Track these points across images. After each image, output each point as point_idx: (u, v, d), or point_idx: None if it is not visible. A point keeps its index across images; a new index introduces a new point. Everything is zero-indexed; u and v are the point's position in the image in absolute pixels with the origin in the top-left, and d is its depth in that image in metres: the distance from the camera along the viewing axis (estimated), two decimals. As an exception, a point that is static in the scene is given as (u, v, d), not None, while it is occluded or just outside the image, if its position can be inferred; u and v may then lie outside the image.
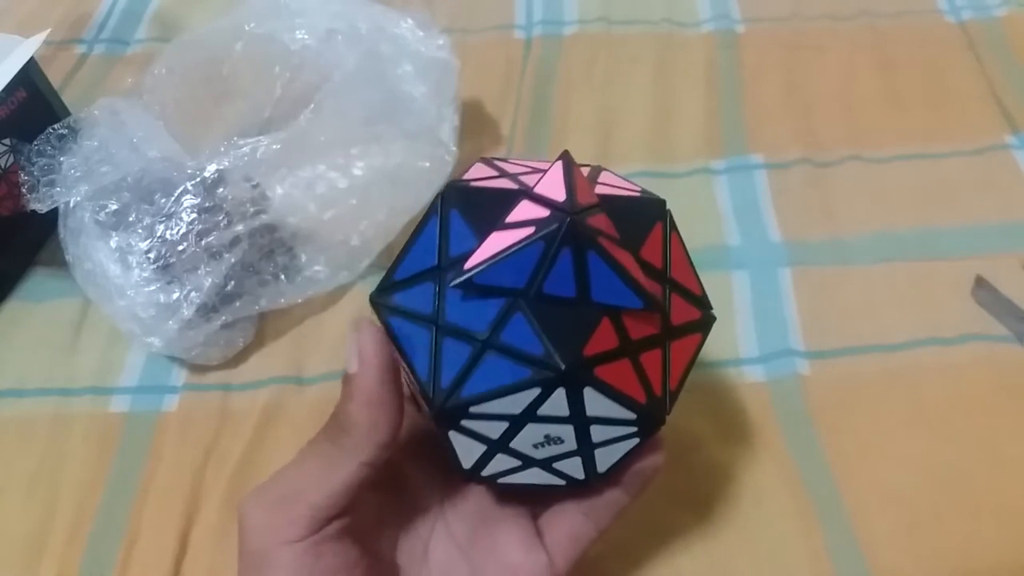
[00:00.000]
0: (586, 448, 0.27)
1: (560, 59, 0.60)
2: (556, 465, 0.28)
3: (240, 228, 0.43)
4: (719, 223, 0.50)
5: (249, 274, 0.44)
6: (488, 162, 0.29)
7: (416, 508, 0.31)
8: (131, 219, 0.42)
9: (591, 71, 0.59)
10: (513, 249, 0.23)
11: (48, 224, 0.44)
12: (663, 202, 0.28)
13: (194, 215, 0.42)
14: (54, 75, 0.54)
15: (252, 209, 0.43)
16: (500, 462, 0.27)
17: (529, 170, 0.28)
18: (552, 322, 0.24)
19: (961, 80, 0.57)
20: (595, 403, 0.24)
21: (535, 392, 0.24)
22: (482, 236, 0.25)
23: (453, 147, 0.50)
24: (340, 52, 0.49)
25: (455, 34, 0.61)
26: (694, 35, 0.62)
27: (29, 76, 0.47)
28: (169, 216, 0.42)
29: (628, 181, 0.29)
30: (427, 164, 0.49)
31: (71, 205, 0.42)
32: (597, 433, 0.26)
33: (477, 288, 0.24)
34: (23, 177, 0.42)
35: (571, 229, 0.23)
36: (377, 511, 0.30)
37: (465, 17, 0.64)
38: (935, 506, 0.38)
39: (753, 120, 0.55)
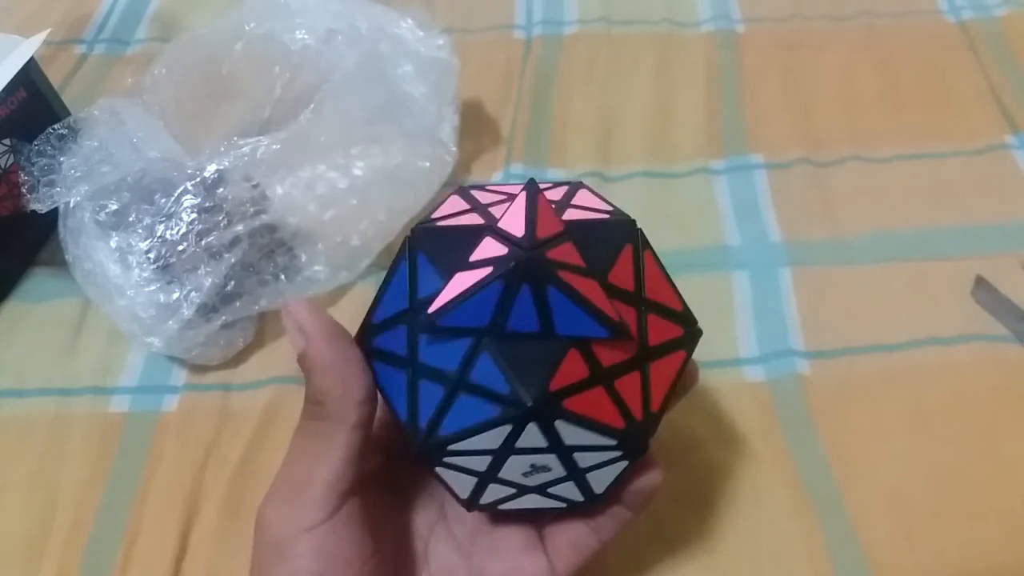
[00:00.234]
0: (576, 473, 0.27)
1: (560, 59, 0.60)
2: (551, 490, 0.28)
3: (240, 228, 0.43)
4: (719, 223, 0.50)
5: (249, 274, 0.44)
6: (464, 193, 0.29)
7: (417, 508, 0.31)
8: (131, 219, 0.42)
9: (591, 71, 0.59)
10: (474, 290, 0.24)
11: (48, 224, 0.44)
12: (633, 222, 0.28)
13: (194, 215, 0.42)
14: (54, 75, 0.54)
15: (252, 209, 0.43)
16: (495, 491, 0.28)
17: (503, 197, 0.29)
18: (518, 359, 0.24)
19: (961, 80, 0.57)
20: (571, 433, 0.25)
21: (508, 428, 0.24)
22: (448, 276, 0.25)
23: (453, 147, 0.50)
24: (340, 52, 0.49)
25: (455, 34, 0.61)
26: (694, 35, 0.62)
27: (29, 76, 0.47)
28: (169, 216, 0.42)
29: (603, 200, 0.29)
30: (427, 164, 0.49)
31: (71, 205, 0.42)
32: (582, 459, 0.26)
33: (443, 331, 0.25)
34: (23, 177, 0.42)
35: (527, 265, 0.23)
36: (382, 508, 0.30)
37: (465, 17, 0.64)
38: (935, 506, 0.38)
39: (753, 120, 0.55)
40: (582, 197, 0.29)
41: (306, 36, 0.50)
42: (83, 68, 0.62)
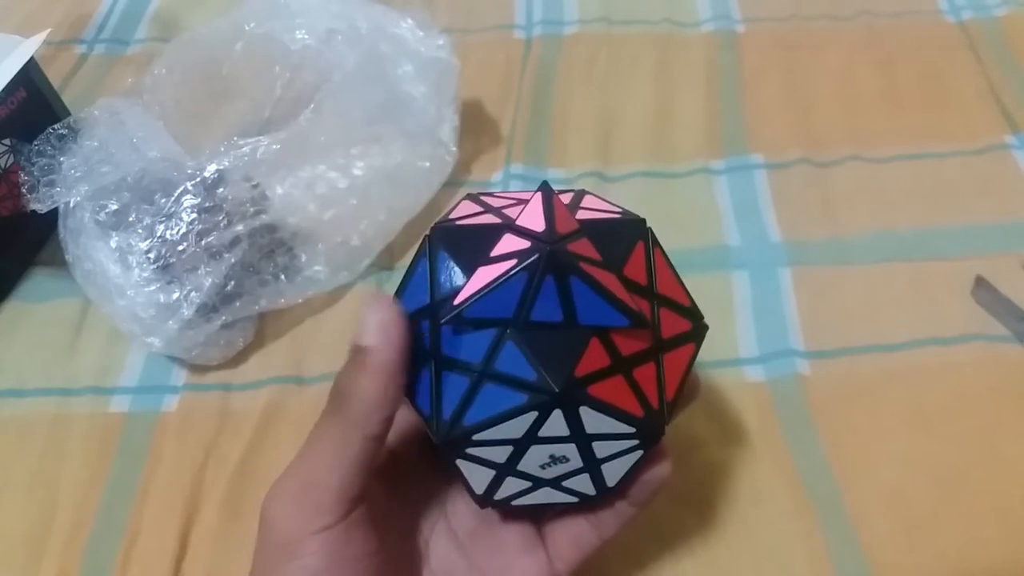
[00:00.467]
0: (592, 464, 0.27)
1: (560, 59, 0.60)
2: (566, 483, 0.28)
3: (240, 228, 0.43)
4: (719, 223, 0.50)
5: (249, 274, 0.44)
6: (475, 199, 0.30)
7: (419, 505, 0.32)
8: (131, 219, 0.42)
9: (591, 71, 0.59)
10: (498, 282, 0.24)
11: (48, 224, 0.44)
12: (643, 221, 0.29)
13: (194, 215, 0.42)
14: (54, 75, 0.54)
15: (252, 209, 0.43)
16: (511, 485, 0.28)
17: (514, 202, 0.29)
18: (543, 347, 0.25)
19: (961, 80, 0.57)
20: (593, 421, 0.25)
21: (533, 415, 0.25)
22: (469, 271, 0.25)
23: (453, 147, 0.50)
24: (340, 52, 0.49)
25: (455, 34, 0.61)
26: (694, 35, 0.62)
27: (29, 76, 0.47)
28: (169, 216, 0.42)
29: (610, 203, 0.30)
30: (427, 164, 0.49)
31: (71, 205, 0.42)
32: (600, 449, 0.27)
33: (468, 322, 0.25)
34: (23, 177, 0.42)
35: (551, 257, 0.24)
36: (385, 505, 0.30)
37: (465, 17, 0.64)
38: (935, 506, 0.38)
39: (753, 120, 0.55)
40: (589, 201, 0.30)
41: (306, 36, 0.50)
42: (83, 68, 0.62)
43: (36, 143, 0.42)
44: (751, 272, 0.47)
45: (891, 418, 0.41)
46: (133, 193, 0.42)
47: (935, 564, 0.37)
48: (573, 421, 0.25)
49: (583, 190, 0.31)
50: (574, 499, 0.29)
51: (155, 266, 0.41)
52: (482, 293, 0.24)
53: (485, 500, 0.29)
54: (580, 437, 0.26)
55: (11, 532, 0.40)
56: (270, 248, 0.44)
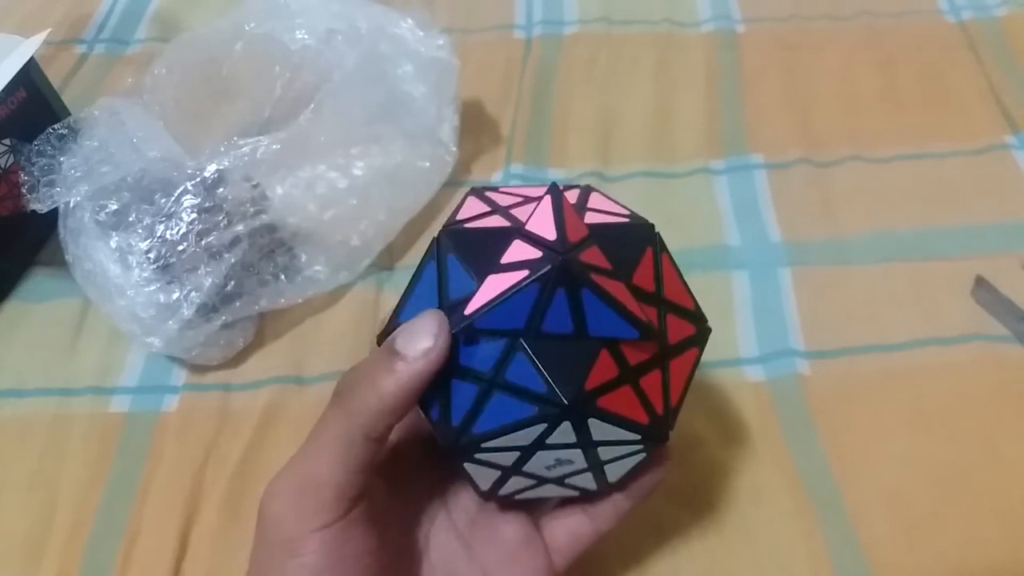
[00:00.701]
0: (596, 465, 0.28)
1: (560, 59, 0.60)
2: (569, 480, 0.29)
3: (240, 228, 0.43)
4: (719, 223, 0.50)
5: (249, 274, 0.44)
6: (480, 195, 0.30)
7: (419, 498, 0.32)
8: (131, 219, 0.42)
9: (591, 71, 0.59)
10: (510, 293, 0.24)
11: (48, 224, 0.44)
12: (651, 225, 0.29)
13: (194, 215, 0.42)
14: (54, 75, 0.54)
15: (252, 209, 0.43)
16: (515, 483, 0.28)
17: (520, 200, 0.29)
18: (553, 359, 0.25)
19: (961, 80, 0.57)
20: (600, 430, 0.25)
21: (542, 427, 0.25)
22: (479, 278, 0.26)
23: (453, 147, 0.50)
24: (340, 52, 0.49)
25: (455, 34, 0.61)
26: (694, 35, 0.62)
27: (29, 76, 0.47)
28: (169, 216, 0.42)
29: (616, 203, 0.30)
30: (427, 164, 0.49)
31: (71, 205, 0.42)
32: (605, 452, 0.27)
33: (479, 332, 0.25)
34: (23, 177, 0.42)
35: (563, 269, 0.24)
36: (385, 500, 0.30)
37: (465, 17, 0.64)
38: (935, 506, 0.38)
39: (753, 120, 0.55)
40: (596, 200, 0.30)
41: (306, 36, 0.50)
42: (83, 68, 0.62)
43: (36, 143, 0.42)
44: (751, 272, 0.47)
45: (891, 418, 0.41)
46: (133, 193, 0.42)
47: (935, 564, 0.37)
48: (581, 431, 0.25)
49: (588, 187, 0.31)
50: (575, 493, 0.30)
51: (155, 266, 0.41)
52: (494, 304, 0.25)
53: (489, 496, 0.30)
54: (586, 443, 0.26)
55: (11, 532, 0.40)
56: (270, 248, 0.44)
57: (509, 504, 0.31)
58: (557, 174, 0.53)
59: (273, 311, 0.46)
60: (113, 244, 0.42)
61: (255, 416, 0.43)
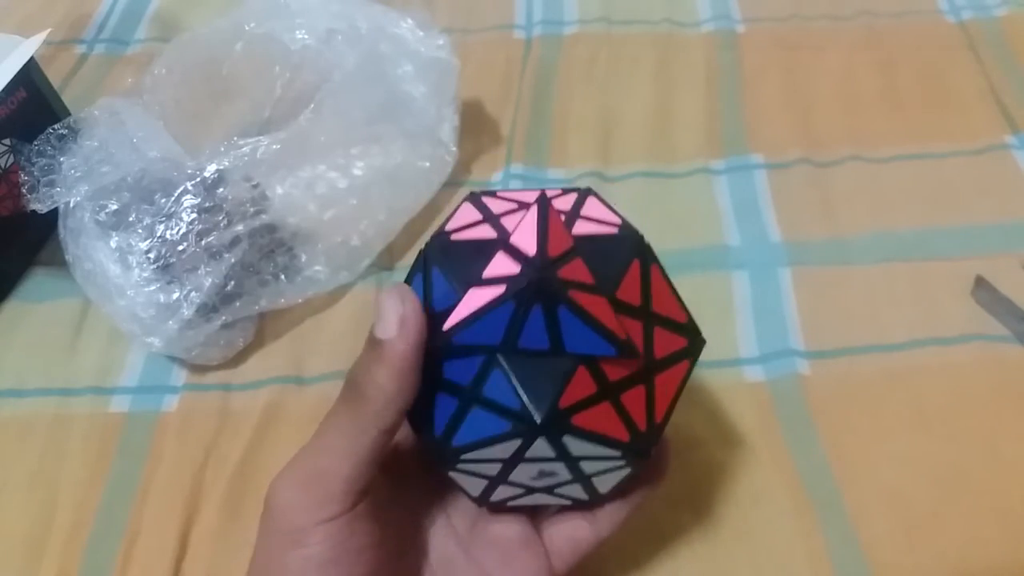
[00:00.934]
0: (582, 478, 0.27)
1: (560, 59, 0.60)
2: (558, 491, 0.29)
3: (240, 228, 0.43)
4: (719, 223, 0.50)
5: (249, 274, 0.44)
6: (476, 201, 0.30)
7: (420, 500, 0.32)
8: (131, 219, 0.42)
9: (591, 71, 0.59)
10: (487, 309, 0.24)
11: (48, 224, 0.44)
12: (640, 237, 0.28)
13: (194, 215, 0.42)
14: (54, 75, 0.54)
15: (252, 209, 0.43)
16: (504, 491, 0.28)
17: (515, 206, 0.29)
18: (529, 375, 0.25)
19: (961, 80, 0.57)
20: (578, 446, 0.25)
21: (518, 442, 0.25)
22: (461, 291, 0.25)
23: (453, 147, 0.50)
24: (340, 52, 0.49)
25: (455, 34, 0.61)
26: (694, 35, 0.62)
27: (29, 76, 0.47)
28: (169, 216, 0.42)
29: (612, 210, 0.29)
30: (427, 164, 0.49)
31: (71, 205, 0.42)
32: (588, 466, 0.27)
33: (457, 347, 0.25)
34: (23, 177, 0.42)
35: (539, 287, 0.24)
36: (387, 498, 0.30)
37: (465, 17, 0.64)
38: (935, 506, 0.38)
39: (753, 120, 0.55)
40: (591, 207, 0.29)
41: (306, 36, 0.50)
42: (83, 68, 0.62)
43: (36, 143, 0.42)
44: (751, 272, 0.47)
45: (891, 418, 0.41)
46: (133, 193, 0.42)
47: (935, 564, 0.37)
48: (558, 447, 0.25)
49: (588, 190, 0.30)
50: (567, 502, 0.30)
51: (155, 266, 0.41)
52: (471, 320, 0.25)
53: (481, 502, 0.30)
54: (566, 458, 0.26)
55: (11, 532, 0.40)
56: (270, 248, 0.44)
57: (511, 508, 0.31)
58: (557, 174, 0.53)
59: (273, 311, 0.46)
60: (113, 244, 0.42)
61: (255, 416, 0.43)
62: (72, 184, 0.42)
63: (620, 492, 0.29)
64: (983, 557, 0.37)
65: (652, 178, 0.53)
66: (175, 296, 0.41)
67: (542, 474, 0.27)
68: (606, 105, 0.57)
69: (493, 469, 0.27)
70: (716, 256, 0.48)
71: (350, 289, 0.48)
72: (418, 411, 0.27)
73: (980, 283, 0.45)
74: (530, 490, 0.28)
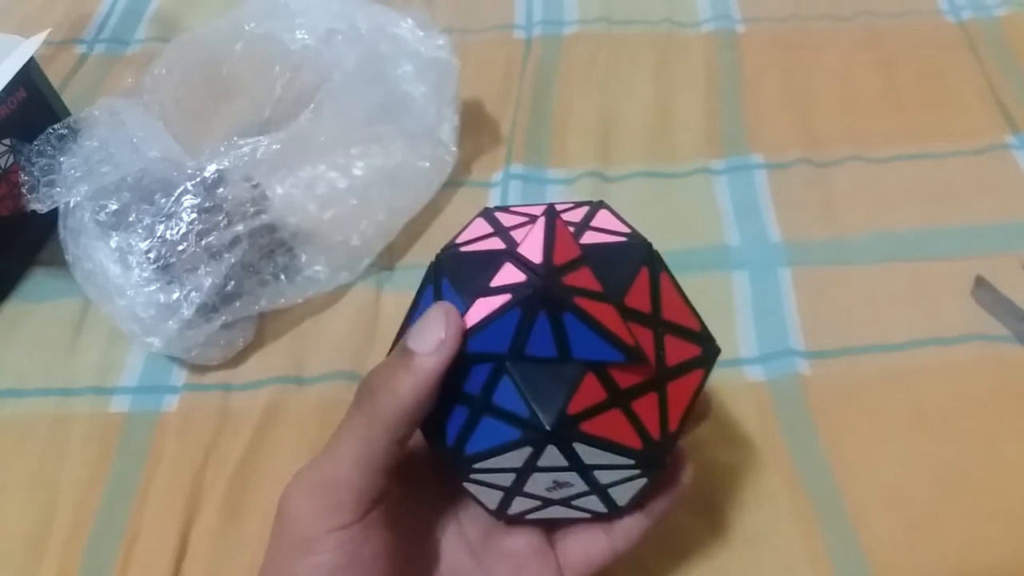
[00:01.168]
0: (598, 489, 0.27)
1: (560, 59, 0.60)
2: (575, 503, 0.29)
3: (240, 228, 0.43)
4: (719, 223, 0.50)
5: (249, 274, 0.44)
6: (489, 217, 0.30)
7: (433, 507, 0.32)
8: (131, 219, 0.42)
9: (591, 71, 0.59)
10: (493, 317, 0.25)
11: (48, 224, 0.44)
12: (648, 245, 0.28)
13: (194, 215, 0.42)
14: (54, 75, 0.54)
15: (252, 209, 0.43)
16: (521, 503, 0.28)
17: (526, 220, 0.29)
18: (536, 383, 0.25)
19: (961, 80, 0.57)
20: (590, 454, 0.25)
21: (528, 450, 0.25)
22: (469, 302, 0.26)
23: (453, 147, 0.50)
24: (340, 52, 0.49)
25: (455, 34, 0.61)
26: (694, 35, 0.62)
27: (29, 76, 0.47)
28: (169, 216, 0.42)
29: (623, 221, 0.30)
30: (427, 164, 0.49)
31: (71, 205, 0.42)
32: (603, 476, 0.27)
33: (465, 356, 0.25)
34: (23, 177, 0.42)
35: (544, 294, 0.24)
36: (401, 506, 0.30)
37: (465, 17, 0.64)
38: (935, 506, 0.38)
39: (753, 120, 0.55)
40: (602, 218, 0.30)
41: (306, 36, 0.50)
42: (83, 68, 0.62)
43: (36, 143, 0.42)
44: (751, 272, 0.47)
45: (891, 418, 0.41)
46: (133, 193, 0.42)
47: (935, 564, 0.37)
48: (570, 455, 0.25)
49: (600, 203, 0.30)
50: (586, 515, 0.29)
51: (155, 266, 0.41)
52: (478, 328, 0.25)
53: (499, 515, 0.30)
54: (579, 467, 0.26)
55: (11, 532, 0.40)
56: (270, 248, 0.44)
57: (526, 521, 0.31)
58: (557, 174, 0.53)
59: (273, 311, 0.46)
60: (113, 244, 0.42)
61: (255, 416, 0.43)
62: (72, 184, 0.42)
63: (638, 504, 0.29)
64: (983, 557, 0.37)
65: (652, 178, 0.53)
66: (175, 296, 0.41)
67: (557, 484, 0.27)
68: (606, 105, 0.57)
69: (507, 479, 0.27)
70: (716, 256, 0.48)
71: (350, 289, 0.48)
72: (430, 421, 0.27)
73: (980, 283, 0.45)
74: (547, 502, 0.28)
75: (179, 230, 0.41)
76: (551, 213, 0.26)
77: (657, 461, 0.26)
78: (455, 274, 0.27)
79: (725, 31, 0.62)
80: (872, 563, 0.37)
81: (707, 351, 0.28)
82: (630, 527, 0.30)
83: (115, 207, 0.42)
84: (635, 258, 0.27)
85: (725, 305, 0.46)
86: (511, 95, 0.58)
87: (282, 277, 0.45)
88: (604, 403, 0.25)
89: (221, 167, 0.43)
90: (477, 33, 0.63)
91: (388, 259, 0.49)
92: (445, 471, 0.27)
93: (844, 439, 0.40)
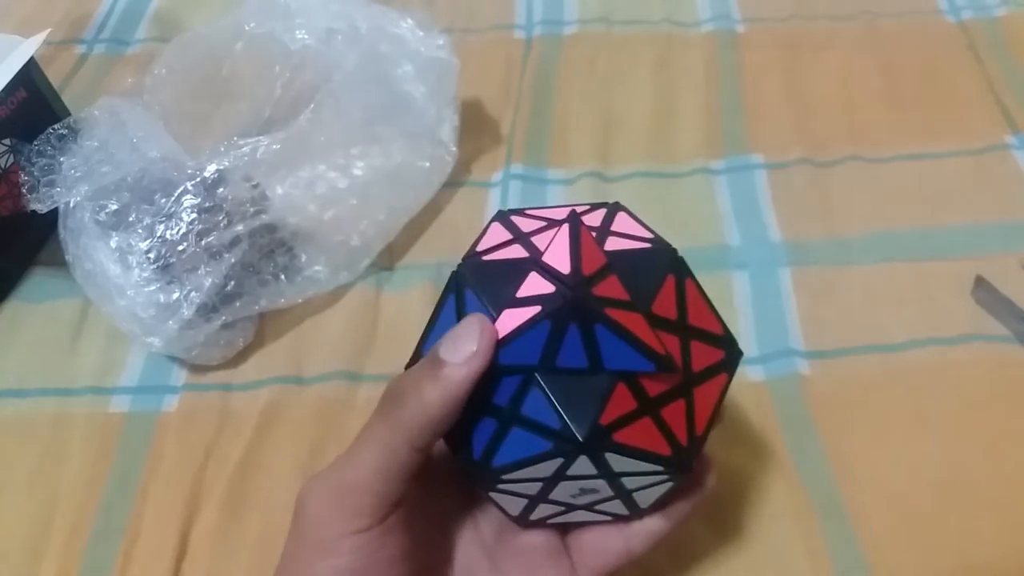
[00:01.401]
0: (624, 494, 0.27)
1: (560, 59, 0.60)
2: (599, 507, 0.29)
3: (240, 228, 0.43)
4: (719, 223, 0.50)
5: (249, 274, 0.44)
6: (504, 220, 0.30)
7: (448, 506, 0.32)
8: (131, 219, 0.42)
9: (591, 71, 0.59)
10: (523, 329, 0.24)
11: (48, 224, 0.44)
12: (674, 251, 0.28)
13: (194, 215, 0.42)
14: (54, 75, 0.54)
15: (252, 209, 0.43)
16: (544, 509, 0.28)
17: (544, 224, 0.29)
18: (568, 394, 0.25)
19: (961, 80, 0.57)
20: (620, 462, 0.25)
21: (559, 460, 0.25)
22: (496, 312, 0.26)
23: (453, 147, 0.50)
24: (340, 52, 0.49)
25: (455, 34, 0.61)
26: (694, 35, 0.62)
27: (29, 76, 0.47)
28: (169, 216, 0.42)
29: (643, 225, 0.30)
30: (427, 164, 0.49)
31: (71, 205, 0.42)
32: (629, 482, 0.27)
33: (495, 368, 0.25)
34: (23, 177, 0.42)
35: (575, 306, 0.24)
36: (419, 508, 0.30)
37: (465, 17, 0.64)
38: (935, 506, 0.38)
39: (753, 120, 0.55)
40: (621, 222, 0.29)
41: (306, 36, 0.50)
42: (83, 68, 0.62)
43: (36, 143, 0.42)
44: (751, 272, 0.47)
45: (891, 418, 0.41)
46: (133, 193, 0.42)
47: (935, 564, 0.37)
48: (600, 464, 0.25)
49: (616, 205, 0.30)
50: (608, 518, 0.30)
51: (155, 266, 0.41)
52: (508, 340, 0.25)
53: (520, 521, 0.30)
54: (608, 475, 0.26)
55: (11, 532, 0.40)
56: (270, 248, 0.44)
57: (547, 525, 0.31)
58: (557, 174, 0.53)
59: (273, 311, 0.46)
60: (113, 244, 0.42)
61: (255, 416, 0.43)
62: (72, 184, 0.42)
63: (659, 506, 0.29)
64: (983, 557, 0.37)
65: (652, 178, 0.53)
66: (175, 296, 0.41)
67: (583, 491, 0.27)
68: (606, 105, 0.57)
69: (533, 488, 0.27)
70: (716, 256, 0.48)
71: (350, 289, 0.48)
72: (456, 433, 0.26)
73: (980, 283, 0.45)
74: (570, 507, 0.28)
75: (179, 230, 0.41)
76: (574, 220, 0.26)
77: (685, 466, 0.26)
78: (479, 284, 0.27)
79: (725, 31, 0.62)
80: (872, 563, 0.37)
81: (730, 354, 0.28)
82: (648, 529, 0.30)
83: (115, 207, 0.42)
84: (661, 265, 0.27)
85: (725, 305, 0.46)
86: (511, 95, 0.58)
87: (282, 277, 0.45)
88: (635, 412, 0.25)
89: (221, 167, 0.43)
90: (477, 33, 0.63)
91: (388, 259, 0.49)
92: (468, 482, 0.27)
93: (844, 439, 0.40)
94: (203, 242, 0.42)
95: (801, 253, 0.48)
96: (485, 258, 0.28)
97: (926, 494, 0.39)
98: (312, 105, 0.45)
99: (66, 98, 0.51)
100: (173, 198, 0.42)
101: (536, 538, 0.30)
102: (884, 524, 0.38)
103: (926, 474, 0.39)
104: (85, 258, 0.42)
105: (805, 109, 0.56)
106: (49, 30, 0.48)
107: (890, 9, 0.62)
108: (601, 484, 0.27)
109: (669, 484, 0.27)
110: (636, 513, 0.29)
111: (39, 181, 0.41)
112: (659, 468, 0.26)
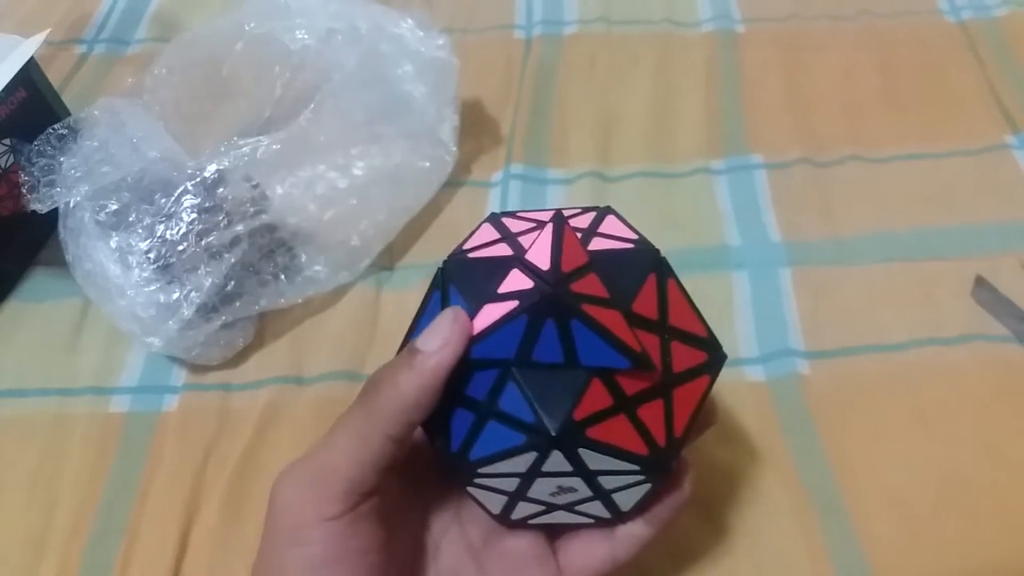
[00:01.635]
0: (602, 494, 0.27)
1: (560, 59, 0.60)
2: (580, 508, 0.29)
3: (240, 228, 0.43)
4: (719, 223, 0.50)
5: (249, 274, 0.44)
6: (496, 222, 0.30)
7: (433, 506, 0.32)
8: (131, 219, 0.42)
9: (591, 71, 0.59)
10: (500, 323, 0.25)
11: (48, 224, 0.44)
12: (656, 251, 0.28)
13: (194, 215, 0.42)
14: (54, 75, 0.54)
15: (252, 209, 0.43)
16: (524, 508, 0.28)
17: (533, 226, 0.29)
18: (543, 388, 0.25)
19: (961, 80, 0.57)
20: (595, 460, 0.25)
21: (533, 455, 0.25)
22: (476, 307, 0.26)
23: (453, 147, 0.50)
24: (340, 52, 0.49)
25: (455, 34, 0.61)
26: (694, 35, 0.62)
27: (29, 76, 0.47)
28: (169, 216, 0.42)
29: (630, 228, 0.30)
30: (427, 164, 0.49)
31: (71, 205, 0.42)
32: (607, 482, 0.27)
33: (472, 361, 0.26)
34: (23, 177, 0.42)
35: (551, 301, 0.24)
36: (398, 502, 0.30)
37: (465, 17, 0.64)
38: (935, 506, 0.38)
39: (753, 120, 0.55)
40: (609, 224, 0.30)
41: (306, 36, 0.50)
42: (83, 68, 0.62)
43: (36, 143, 0.42)
44: (751, 272, 0.47)
45: (891, 418, 0.41)
46: (133, 193, 0.42)
47: (935, 564, 0.37)
48: (574, 460, 0.25)
49: (607, 209, 0.31)
50: (590, 521, 0.29)
51: (155, 266, 0.41)
52: (485, 334, 0.25)
53: (502, 520, 0.30)
54: (584, 473, 0.26)
55: (11, 532, 0.40)
56: (270, 248, 0.44)
57: (528, 525, 0.31)
58: (557, 174, 0.53)
59: (273, 311, 0.46)
60: (113, 244, 0.42)
61: (255, 416, 0.43)
62: (72, 184, 0.42)
63: (641, 512, 0.29)
64: (983, 557, 0.37)
65: (652, 178, 0.53)
66: (175, 296, 0.41)
67: (561, 490, 0.27)
68: (606, 105, 0.57)
69: (511, 484, 0.27)
70: (716, 256, 0.48)
71: (350, 289, 0.48)
72: (435, 426, 0.27)
73: (980, 283, 0.45)
74: (551, 507, 0.28)
75: (179, 230, 0.41)
76: (559, 219, 0.26)
77: (662, 467, 0.26)
78: (462, 280, 0.27)
79: (725, 31, 0.62)
80: (872, 563, 0.37)
81: (713, 357, 0.28)
82: (632, 535, 0.30)
83: (115, 207, 0.42)
84: (643, 265, 0.28)
85: (725, 305, 0.46)
86: (511, 95, 0.58)
87: (282, 277, 0.45)
88: (610, 409, 0.25)
89: (221, 167, 0.43)
90: (477, 33, 0.63)
91: (388, 259, 0.49)
92: (449, 476, 0.27)
93: (844, 439, 0.41)
94: (203, 242, 0.42)
95: (801, 253, 0.48)
96: (471, 255, 0.29)
97: (926, 494, 0.39)
98: (312, 105, 0.45)
99: (66, 98, 0.51)
100: (173, 198, 0.42)
101: (523, 541, 0.30)
102: (884, 524, 0.38)
103: (926, 474, 0.39)
104: (85, 258, 0.42)
105: (805, 109, 0.56)
106: (49, 30, 0.48)
107: (890, 9, 0.62)
108: (578, 483, 0.27)
109: (648, 486, 0.27)
110: (618, 516, 0.29)
111: (39, 181, 0.41)
112: (635, 468, 0.26)
